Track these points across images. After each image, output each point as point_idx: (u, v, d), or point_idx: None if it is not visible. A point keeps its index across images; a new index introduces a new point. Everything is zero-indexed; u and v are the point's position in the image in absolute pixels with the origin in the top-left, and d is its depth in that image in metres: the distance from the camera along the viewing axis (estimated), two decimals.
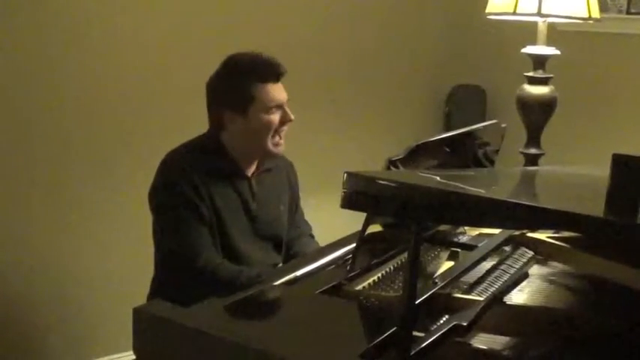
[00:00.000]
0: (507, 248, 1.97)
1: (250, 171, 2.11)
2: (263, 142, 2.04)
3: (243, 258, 2.05)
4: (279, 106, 2.03)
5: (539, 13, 2.68)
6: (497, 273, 1.80)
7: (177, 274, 1.99)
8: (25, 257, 2.61)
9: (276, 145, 2.06)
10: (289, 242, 2.23)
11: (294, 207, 2.28)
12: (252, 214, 2.09)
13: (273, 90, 2.01)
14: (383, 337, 1.39)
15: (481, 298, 1.61)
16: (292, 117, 2.05)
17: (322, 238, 2.30)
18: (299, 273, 1.80)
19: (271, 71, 2.02)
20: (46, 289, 2.66)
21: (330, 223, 2.36)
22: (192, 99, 2.80)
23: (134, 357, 1.61)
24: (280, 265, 2.16)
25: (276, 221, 2.16)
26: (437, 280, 1.65)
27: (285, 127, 2.06)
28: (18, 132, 2.55)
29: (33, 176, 2.60)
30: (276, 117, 2.02)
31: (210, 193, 1.99)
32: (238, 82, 2.01)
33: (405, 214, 1.42)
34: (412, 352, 1.34)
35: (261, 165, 2.13)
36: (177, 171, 1.99)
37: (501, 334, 1.50)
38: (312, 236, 2.34)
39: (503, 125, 2.27)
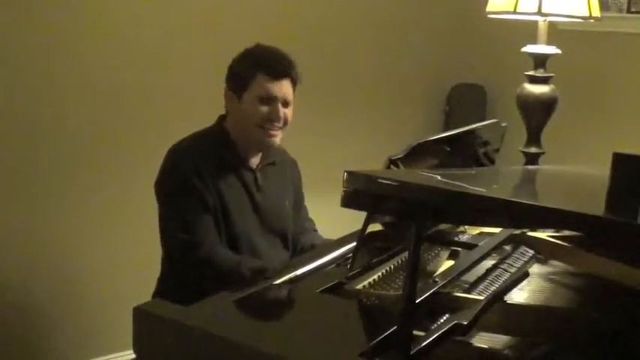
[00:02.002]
0: (508, 247, 1.97)
1: (255, 163, 2.13)
2: (251, 130, 2.06)
3: (252, 250, 2.06)
4: (271, 101, 2.04)
5: (539, 12, 2.68)
6: (497, 272, 1.80)
7: (180, 263, 2.00)
8: (26, 257, 2.62)
9: (267, 136, 2.06)
10: (294, 239, 2.24)
11: (299, 205, 2.29)
12: (258, 206, 2.10)
13: (269, 83, 2.03)
14: (383, 336, 1.39)
15: (481, 297, 1.61)
16: (281, 116, 2.05)
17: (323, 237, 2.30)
18: (299, 272, 1.80)
19: (275, 66, 2.05)
20: (46, 288, 2.66)
21: (331, 222, 2.36)
22: (194, 96, 2.82)
23: (134, 356, 1.61)
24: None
25: (281, 215, 2.18)
26: (437, 279, 1.65)
27: (276, 124, 2.06)
28: (20, 131, 2.55)
29: (35, 174, 2.60)
30: (264, 109, 2.03)
31: (215, 182, 2.01)
32: (243, 66, 2.07)
33: (406, 213, 1.42)
34: (412, 352, 1.34)
35: (265, 158, 2.15)
36: (184, 159, 2.01)
37: (502, 333, 1.50)
38: (317, 231, 2.35)
39: (503, 124, 2.27)
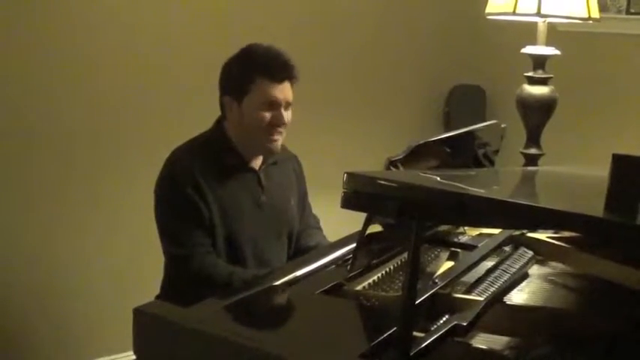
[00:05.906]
0: (507, 248, 1.97)
1: (257, 164, 2.08)
2: (254, 136, 2.00)
3: (257, 255, 2.04)
4: (274, 106, 1.98)
5: (538, 13, 2.68)
6: (497, 273, 1.80)
7: (174, 277, 2.00)
8: (25, 257, 2.62)
9: (270, 141, 2.01)
10: (297, 236, 2.22)
11: (303, 201, 2.25)
12: (263, 208, 2.07)
13: (271, 88, 1.96)
14: (383, 337, 1.39)
15: (481, 298, 1.62)
16: (286, 120, 2.00)
17: None
18: (299, 273, 1.80)
19: (277, 70, 1.97)
20: (46, 288, 2.66)
21: (331, 222, 2.36)
22: (194, 96, 2.82)
23: (134, 357, 1.61)
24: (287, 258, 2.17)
25: (287, 215, 2.15)
26: (437, 280, 1.65)
27: (279, 129, 2.01)
28: (19, 130, 2.55)
29: (34, 174, 2.60)
30: (267, 115, 1.97)
31: (215, 190, 1.97)
32: (242, 70, 1.98)
33: (405, 214, 1.42)
34: (412, 352, 1.34)
35: (267, 158, 2.11)
36: (181, 169, 1.97)
37: (501, 334, 1.50)
38: (320, 229, 2.32)
39: (503, 125, 2.28)
